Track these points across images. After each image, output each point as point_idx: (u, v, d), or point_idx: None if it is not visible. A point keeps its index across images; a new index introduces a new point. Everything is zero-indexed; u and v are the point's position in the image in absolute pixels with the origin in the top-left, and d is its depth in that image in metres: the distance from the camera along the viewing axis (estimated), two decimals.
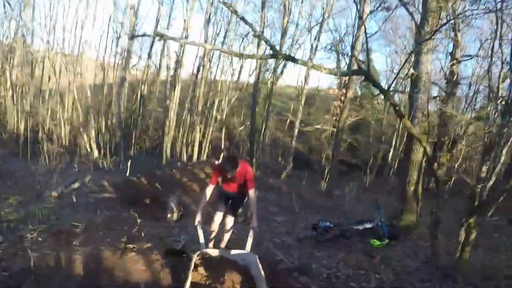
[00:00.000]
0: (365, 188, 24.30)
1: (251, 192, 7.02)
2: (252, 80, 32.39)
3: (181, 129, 27.32)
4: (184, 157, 28.22)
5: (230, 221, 7.54)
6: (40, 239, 8.09)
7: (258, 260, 6.08)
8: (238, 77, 33.85)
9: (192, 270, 5.74)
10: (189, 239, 8.50)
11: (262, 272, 5.70)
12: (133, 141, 27.88)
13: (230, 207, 7.58)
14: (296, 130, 27.12)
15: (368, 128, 32.84)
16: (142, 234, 8.83)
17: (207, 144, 28.18)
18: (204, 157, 28.17)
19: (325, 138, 32.14)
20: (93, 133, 22.57)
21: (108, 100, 27.76)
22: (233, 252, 6.60)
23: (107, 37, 30.71)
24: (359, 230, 11.31)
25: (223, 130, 30.35)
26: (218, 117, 29.66)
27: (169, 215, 10.82)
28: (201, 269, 5.88)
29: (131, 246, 7.67)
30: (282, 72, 30.79)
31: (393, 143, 29.86)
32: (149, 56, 29.66)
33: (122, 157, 21.37)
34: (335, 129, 23.69)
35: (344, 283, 7.85)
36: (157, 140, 31.38)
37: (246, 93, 33.86)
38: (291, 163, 27.43)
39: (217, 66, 30.24)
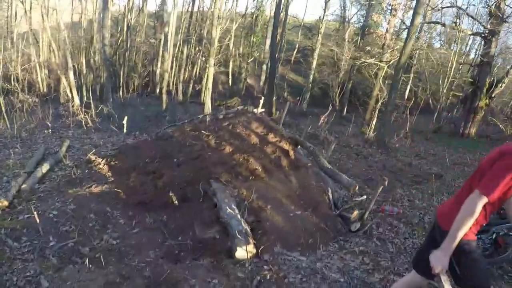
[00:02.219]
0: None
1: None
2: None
3: (173, 64, 19.96)
4: (181, 96, 21.47)
5: None
6: None
7: None
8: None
9: None
10: None
11: None
12: (120, 82, 20.53)
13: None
14: (314, 63, 20.19)
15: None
16: None
17: (208, 80, 21.16)
18: (205, 95, 21.40)
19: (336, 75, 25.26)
20: (71, 76, 15.16)
21: (89, 36, 19.96)
22: None
23: None
24: None
25: (230, 64, 23.10)
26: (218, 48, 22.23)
27: (239, 249, 4.77)
28: None
29: None
30: None
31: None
32: None
33: (110, 105, 14.31)
34: (384, 65, 16.54)
35: None
36: (147, 78, 24.29)
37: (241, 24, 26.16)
38: (307, 100, 20.96)
39: None
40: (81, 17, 19.19)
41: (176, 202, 6.24)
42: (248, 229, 5.10)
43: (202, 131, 7.84)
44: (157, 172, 7.06)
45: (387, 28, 18.28)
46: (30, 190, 6.76)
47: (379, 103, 16.26)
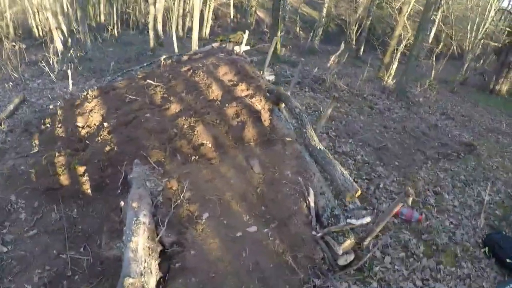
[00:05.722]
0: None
1: None
2: None
3: None
4: (181, 32, 18.71)
5: None
6: None
7: None
8: None
9: None
10: None
11: None
12: (114, 18, 17.74)
13: None
14: None
15: None
16: None
17: (209, 14, 18.17)
18: (206, 33, 18.63)
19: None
20: (50, 16, 12.52)
21: None
22: None
23: None
24: None
25: None
26: None
27: None
28: None
29: None
30: None
31: None
32: None
33: (89, 48, 11.83)
34: None
35: None
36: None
37: None
38: (319, 37, 17.68)
39: None
40: None
41: (89, 191, 4.16)
42: (155, 267, 2.86)
43: (149, 80, 5.49)
44: (81, 143, 4.92)
45: None
46: None
47: (402, 45, 12.98)
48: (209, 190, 3.77)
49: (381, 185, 5.82)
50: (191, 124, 4.47)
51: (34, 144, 5.59)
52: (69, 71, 7.13)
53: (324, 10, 17.61)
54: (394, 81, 12.77)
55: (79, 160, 4.48)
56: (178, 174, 3.84)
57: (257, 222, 3.61)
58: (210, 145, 4.33)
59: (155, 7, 12.77)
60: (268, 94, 5.34)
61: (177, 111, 4.79)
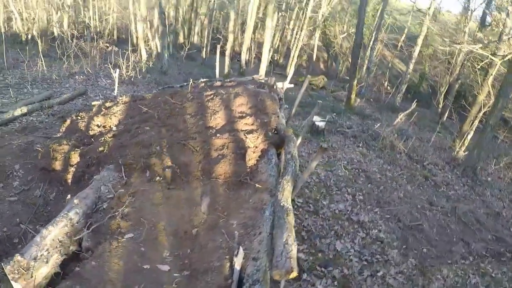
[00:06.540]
0: None
1: None
2: None
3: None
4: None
5: None
6: None
7: None
8: None
9: None
10: None
11: None
12: (204, 42, 19.47)
13: None
14: (417, 50, 16.10)
15: None
16: None
17: (295, 53, 18.89)
18: (291, 66, 19.38)
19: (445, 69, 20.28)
20: (140, 28, 14.42)
21: None
22: None
23: None
24: None
25: (317, 35, 20.26)
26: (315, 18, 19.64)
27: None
28: None
29: None
30: None
31: None
32: None
33: (166, 62, 13.25)
34: (498, 60, 11.35)
35: None
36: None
37: None
38: (402, 93, 17.14)
39: None
40: None
41: (70, 181, 4.69)
42: (55, 261, 3.10)
43: (167, 97, 6.03)
44: (90, 139, 5.57)
45: (508, 12, 12.70)
46: None
47: (481, 113, 11.82)
48: (150, 214, 3.87)
49: (380, 274, 5.03)
50: (169, 146, 4.79)
51: (60, 130, 6.49)
52: (116, 76, 8.15)
53: (411, 66, 17.16)
54: (466, 153, 11.69)
55: (76, 152, 5.08)
56: (136, 189, 4.13)
57: (173, 263, 3.38)
58: (177, 170, 4.55)
59: (234, 35, 13.86)
60: (272, 134, 5.36)
61: (168, 131, 5.18)
